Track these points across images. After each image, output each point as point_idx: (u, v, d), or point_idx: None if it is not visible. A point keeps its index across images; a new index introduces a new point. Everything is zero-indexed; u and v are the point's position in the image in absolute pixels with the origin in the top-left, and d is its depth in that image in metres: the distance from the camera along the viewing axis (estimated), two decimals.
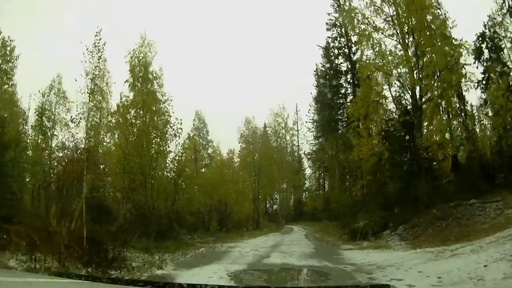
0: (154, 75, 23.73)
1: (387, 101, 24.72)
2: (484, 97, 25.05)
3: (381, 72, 23.61)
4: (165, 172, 24.16)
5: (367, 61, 23.39)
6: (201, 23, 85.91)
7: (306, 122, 58.00)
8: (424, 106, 22.67)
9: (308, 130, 55.98)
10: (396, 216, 19.86)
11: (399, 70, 23.13)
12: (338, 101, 38.75)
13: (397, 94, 24.09)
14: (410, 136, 22.30)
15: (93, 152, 19.53)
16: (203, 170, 38.20)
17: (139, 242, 17.19)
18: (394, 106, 24.11)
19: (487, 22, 24.62)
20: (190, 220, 23.18)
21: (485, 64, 24.30)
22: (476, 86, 24.50)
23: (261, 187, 44.01)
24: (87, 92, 15.78)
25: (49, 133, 26.03)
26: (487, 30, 24.77)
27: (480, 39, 24.50)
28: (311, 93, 63.32)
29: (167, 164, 23.69)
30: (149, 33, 25.32)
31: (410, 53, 22.80)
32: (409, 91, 23.09)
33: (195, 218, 25.24)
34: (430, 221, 18.24)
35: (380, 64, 22.93)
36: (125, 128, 22.41)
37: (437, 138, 22.73)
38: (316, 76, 54.34)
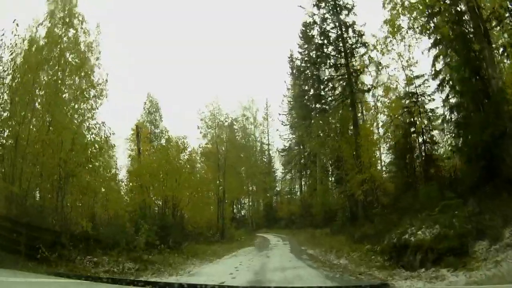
0: (80, 19, 15.59)
1: None
2: None
3: None
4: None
5: None
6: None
7: (280, 114, 47.94)
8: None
9: (282, 124, 45.77)
10: (488, 214, 9.40)
11: None
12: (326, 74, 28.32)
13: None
14: (478, 79, 12.17)
15: None
16: None
17: None
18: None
19: None
20: (87, 228, 11.72)
21: None
22: None
23: (228, 190, 34.11)
24: None
25: None
26: None
27: None
28: (285, 81, 53.44)
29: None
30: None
31: None
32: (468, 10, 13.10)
33: (112, 229, 14.02)
34: None
35: None
36: None
37: None
38: (291, 63, 44.93)
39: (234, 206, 47.21)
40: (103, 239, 13.09)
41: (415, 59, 18.18)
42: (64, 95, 14.55)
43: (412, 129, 17.23)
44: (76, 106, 14.46)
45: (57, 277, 4.22)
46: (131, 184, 18.48)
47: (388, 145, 22.46)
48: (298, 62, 40.17)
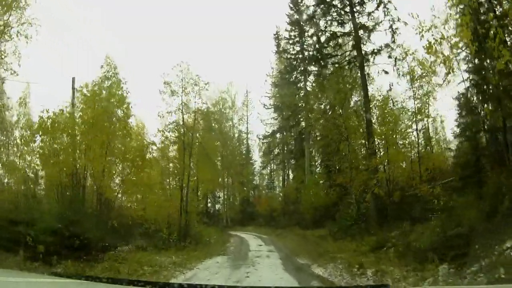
0: None
1: None
2: None
3: None
4: None
5: None
6: None
7: (262, 96, 40.78)
8: None
9: (264, 106, 38.23)
10: None
11: None
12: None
13: None
14: None
15: None
16: None
17: None
18: None
19: None
20: None
21: None
22: None
23: (201, 181, 27.74)
24: None
25: None
26: None
27: None
28: (269, 60, 45.99)
29: None
30: None
31: None
32: None
33: None
34: None
35: None
36: None
37: None
38: (277, 40, 37.39)
39: (209, 200, 39.84)
40: None
41: None
42: None
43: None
44: None
45: (57, 277, 4.01)
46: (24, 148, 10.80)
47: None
48: (286, 35, 32.81)
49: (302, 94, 31.21)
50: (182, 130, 20.26)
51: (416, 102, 18.95)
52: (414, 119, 18.29)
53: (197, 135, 22.19)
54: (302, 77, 31.49)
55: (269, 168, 43.47)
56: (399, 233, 11.35)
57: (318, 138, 22.81)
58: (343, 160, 19.59)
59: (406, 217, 14.94)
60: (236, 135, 44.29)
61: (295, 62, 31.98)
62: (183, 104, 20.73)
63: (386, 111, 17.83)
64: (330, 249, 12.75)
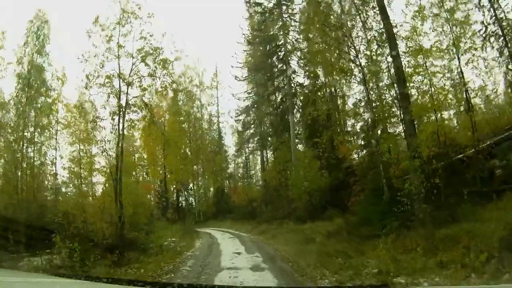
0: None
1: None
2: None
3: None
4: None
5: None
6: None
7: (232, 67, 33.41)
8: None
9: (236, 79, 30.80)
10: None
11: None
12: None
13: None
14: None
15: None
16: None
17: None
18: None
19: None
20: None
21: None
22: None
23: (169, 171, 26.72)
24: None
25: None
26: None
27: None
28: (239, 26, 38.79)
29: None
30: None
31: None
32: None
33: None
34: None
35: None
36: None
37: None
38: (248, 5, 30.07)
39: (183, 193, 32.80)
40: None
41: None
42: None
43: None
44: None
45: (57, 277, 3.92)
46: None
47: None
48: None
49: (282, 53, 24.37)
50: (117, 82, 12.98)
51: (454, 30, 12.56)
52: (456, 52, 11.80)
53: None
54: (281, 34, 24.64)
55: (244, 153, 36.34)
56: None
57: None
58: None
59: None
60: (206, 117, 37.03)
61: (271, 18, 25.00)
62: (118, 46, 13.50)
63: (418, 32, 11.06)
64: (382, 263, 5.83)
